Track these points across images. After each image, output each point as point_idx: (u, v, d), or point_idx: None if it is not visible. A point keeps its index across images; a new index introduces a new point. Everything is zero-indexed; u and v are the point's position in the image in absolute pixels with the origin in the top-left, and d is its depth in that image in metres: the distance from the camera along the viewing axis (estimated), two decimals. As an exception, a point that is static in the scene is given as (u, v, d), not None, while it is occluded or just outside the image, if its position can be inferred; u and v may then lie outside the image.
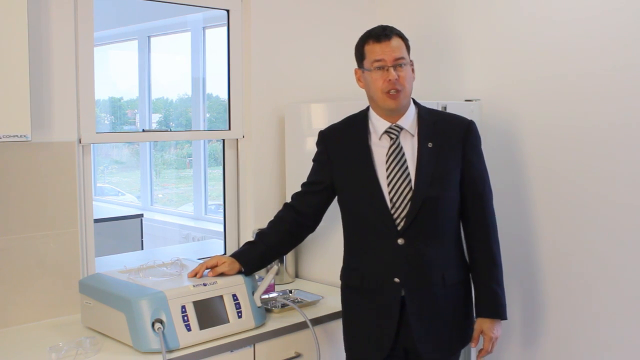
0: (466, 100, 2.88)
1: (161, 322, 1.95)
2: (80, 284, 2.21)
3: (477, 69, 2.94)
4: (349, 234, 2.20)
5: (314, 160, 2.29)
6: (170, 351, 1.95)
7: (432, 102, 2.64)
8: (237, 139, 2.95)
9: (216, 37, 4.28)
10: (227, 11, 2.89)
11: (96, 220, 2.55)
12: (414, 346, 2.07)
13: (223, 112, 3.13)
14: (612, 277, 2.57)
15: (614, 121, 2.52)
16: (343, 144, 2.18)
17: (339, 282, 2.26)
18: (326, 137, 2.25)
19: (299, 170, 2.85)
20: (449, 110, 2.66)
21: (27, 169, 2.26)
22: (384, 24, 2.15)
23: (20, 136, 2.05)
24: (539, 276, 2.77)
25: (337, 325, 2.35)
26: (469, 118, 2.22)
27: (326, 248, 2.76)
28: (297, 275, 2.93)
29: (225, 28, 2.92)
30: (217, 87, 4.44)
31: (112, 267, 2.31)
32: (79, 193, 2.39)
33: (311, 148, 2.69)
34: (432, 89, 3.05)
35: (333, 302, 2.43)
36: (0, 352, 2.01)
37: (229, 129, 2.93)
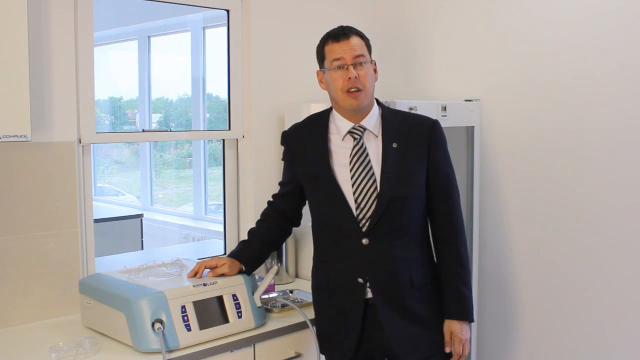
0: (466, 100, 2.89)
1: (161, 322, 1.95)
2: (80, 284, 2.21)
3: (477, 68, 2.94)
4: (315, 234, 2.20)
5: (282, 159, 2.30)
6: (170, 351, 1.95)
7: (431, 103, 2.65)
8: (237, 139, 2.95)
9: (216, 37, 4.28)
10: (227, 11, 2.89)
11: (96, 220, 2.55)
12: (391, 348, 2.06)
13: (223, 112, 3.13)
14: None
15: (613, 121, 2.52)
16: (304, 145, 2.17)
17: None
18: (288, 138, 2.25)
19: (299, 170, 2.85)
20: (449, 110, 2.67)
21: (27, 169, 2.26)
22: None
23: (20, 136, 2.05)
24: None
25: (337, 325, 2.35)
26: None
27: (326, 248, 2.75)
28: (297, 275, 2.94)
29: (225, 28, 2.92)
30: (217, 87, 4.44)
31: (112, 267, 2.31)
32: (79, 193, 2.39)
33: (311, 148, 2.69)
34: (432, 89, 3.05)
35: (333, 302, 2.43)
36: (0, 352, 2.01)
37: (229, 129, 2.93)
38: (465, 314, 2.09)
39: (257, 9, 2.89)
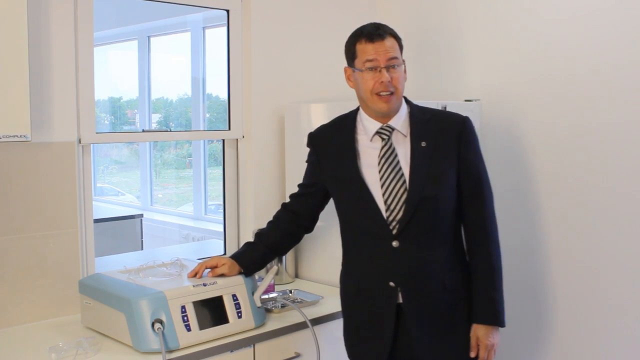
0: (466, 100, 2.88)
1: (161, 322, 1.95)
2: (80, 284, 2.21)
3: (477, 68, 2.94)
4: (344, 237, 2.17)
5: (307, 161, 2.27)
6: (170, 351, 1.95)
7: (431, 102, 2.64)
8: (237, 139, 2.95)
9: (216, 37, 4.28)
10: (227, 11, 2.89)
11: (96, 220, 2.55)
12: (417, 353, 2.01)
13: (223, 112, 3.12)
14: (623, 279, 2.53)
15: (615, 119, 2.52)
16: (331, 146, 2.14)
17: (339, 283, 2.25)
18: (315, 139, 2.22)
19: (298, 170, 2.84)
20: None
21: (27, 169, 2.26)
22: (383, 22, 2.13)
23: (20, 136, 2.05)
24: (545, 280, 2.74)
25: (337, 325, 2.35)
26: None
27: (326, 248, 2.75)
28: (296, 276, 2.93)
29: (225, 28, 2.92)
30: (217, 87, 4.44)
31: (112, 267, 2.31)
32: (78, 193, 2.39)
33: (311, 148, 2.69)
34: (432, 88, 3.05)
35: (333, 302, 2.43)
36: (0, 352, 2.01)
37: (229, 129, 2.93)
38: (493, 319, 2.03)
39: (257, 9, 2.89)
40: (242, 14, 2.90)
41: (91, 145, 2.48)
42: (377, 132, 2.06)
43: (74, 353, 1.93)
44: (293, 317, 2.30)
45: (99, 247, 2.55)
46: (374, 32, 2.00)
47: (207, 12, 3.75)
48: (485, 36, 2.90)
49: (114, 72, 5.32)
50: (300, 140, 2.86)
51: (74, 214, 2.37)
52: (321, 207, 2.27)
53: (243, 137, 2.94)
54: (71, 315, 2.33)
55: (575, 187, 2.64)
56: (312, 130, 2.82)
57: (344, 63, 2.12)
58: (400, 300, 2.01)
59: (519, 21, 2.78)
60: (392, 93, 2.00)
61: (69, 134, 2.36)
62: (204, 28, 4.54)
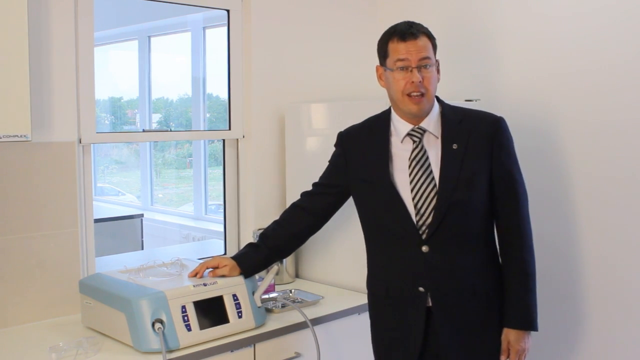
0: (466, 100, 2.88)
1: (161, 322, 1.95)
2: (80, 284, 2.21)
3: (478, 68, 2.94)
4: (371, 242, 2.11)
5: (330, 161, 2.21)
6: (171, 351, 1.95)
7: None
8: (237, 139, 2.95)
9: (216, 37, 4.28)
10: (227, 11, 2.89)
11: (96, 220, 2.55)
12: (446, 357, 1.98)
13: (223, 112, 3.13)
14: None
15: (615, 119, 2.51)
16: (363, 147, 2.08)
17: (339, 282, 2.25)
18: (345, 139, 2.16)
19: (299, 170, 2.85)
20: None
21: (27, 169, 2.26)
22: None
23: (21, 136, 2.05)
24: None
25: (337, 325, 2.35)
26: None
27: (326, 248, 2.75)
28: (297, 275, 2.93)
29: (226, 28, 2.92)
30: (217, 87, 4.44)
31: (112, 267, 2.31)
32: (79, 193, 2.39)
33: (312, 148, 2.69)
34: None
35: (333, 302, 2.43)
36: (0, 352, 2.01)
37: (229, 129, 2.93)
38: (525, 324, 1.99)
39: (257, 9, 2.89)
40: (243, 14, 2.90)
41: (91, 145, 2.48)
42: (408, 134, 2.01)
43: (74, 353, 1.93)
44: (293, 317, 2.30)
45: (99, 247, 2.55)
46: (406, 31, 1.96)
47: (208, 12, 3.75)
48: (486, 36, 2.90)
49: (114, 72, 5.32)
50: (300, 140, 2.87)
51: (74, 213, 2.37)
52: (336, 208, 2.22)
53: (243, 137, 2.94)
54: (71, 315, 2.33)
55: (577, 186, 2.63)
56: (312, 129, 2.81)
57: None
58: (430, 304, 1.98)
59: (519, 21, 2.78)
60: (422, 94, 1.95)
61: (69, 133, 2.36)
62: (204, 28, 4.54)
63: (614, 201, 2.54)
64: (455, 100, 2.90)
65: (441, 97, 2.10)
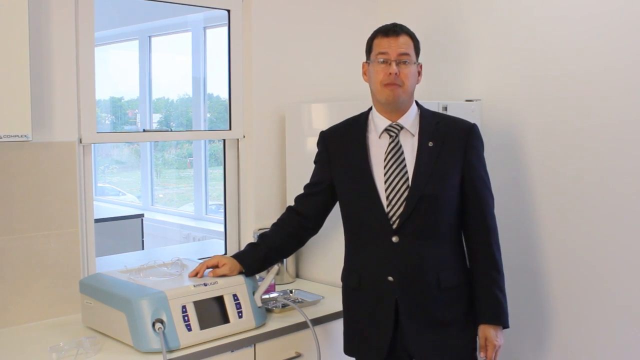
0: (467, 101, 2.88)
1: (162, 322, 1.95)
2: (80, 284, 2.21)
3: (478, 69, 2.94)
4: (348, 234, 2.19)
5: (314, 161, 2.29)
6: (171, 351, 1.95)
7: (432, 102, 2.64)
8: (238, 139, 2.95)
9: (217, 37, 4.29)
10: (228, 11, 2.89)
11: (97, 220, 2.55)
12: (413, 348, 2.03)
13: (224, 112, 3.13)
14: (622, 277, 2.52)
15: (615, 119, 2.51)
16: (342, 143, 2.18)
17: (339, 282, 2.25)
18: (326, 137, 2.25)
19: (299, 170, 2.85)
20: (449, 110, 2.66)
21: (28, 169, 2.26)
22: (385, 23, 2.15)
23: (21, 136, 2.05)
24: (544, 279, 2.74)
25: (338, 325, 2.35)
26: (470, 118, 2.22)
27: (327, 248, 2.76)
28: (297, 275, 2.93)
29: (226, 28, 2.92)
30: (217, 87, 4.45)
31: (112, 267, 2.31)
32: (79, 193, 2.39)
33: (312, 148, 2.69)
34: (433, 89, 3.05)
35: (333, 302, 2.43)
36: (0, 352, 2.01)
37: (230, 129, 2.93)
38: (500, 319, 2.06)
39: (257, 9, 2.89)
40: (243, 14, 2.90)
41: (92, 145, 2.48)
42: (386, 129, 2.11)
43: (74, 353, 1.93)
44: (294, 317, 2.30)
45: (99, 247, 2.55)
46: (390, 29, 2.09)
47: (208, 12, 3.75)
48: (486, 36, 2.90)
49: (114, 72, 5.32)
50: (301, 140, 2.87)
51: (74, 213, 2.37)
52: (328, 207, 2.28)
53: (244, 137, 2.94)
54: (72, 315, 2.33)
55: (575, 186, 2.63)
56: (312, 129, 2.83)
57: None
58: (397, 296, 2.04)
59: (520, 21, 2.78)
60: (399, 86, 2.05)
61: (70, 133, 2.36)
62: (204, 28, 4.55)
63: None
64: (455, 100, 2.91)
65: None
